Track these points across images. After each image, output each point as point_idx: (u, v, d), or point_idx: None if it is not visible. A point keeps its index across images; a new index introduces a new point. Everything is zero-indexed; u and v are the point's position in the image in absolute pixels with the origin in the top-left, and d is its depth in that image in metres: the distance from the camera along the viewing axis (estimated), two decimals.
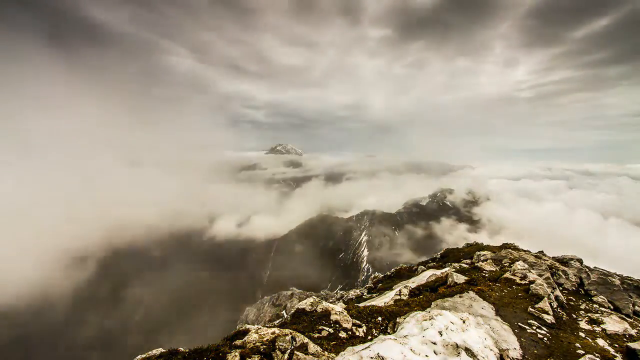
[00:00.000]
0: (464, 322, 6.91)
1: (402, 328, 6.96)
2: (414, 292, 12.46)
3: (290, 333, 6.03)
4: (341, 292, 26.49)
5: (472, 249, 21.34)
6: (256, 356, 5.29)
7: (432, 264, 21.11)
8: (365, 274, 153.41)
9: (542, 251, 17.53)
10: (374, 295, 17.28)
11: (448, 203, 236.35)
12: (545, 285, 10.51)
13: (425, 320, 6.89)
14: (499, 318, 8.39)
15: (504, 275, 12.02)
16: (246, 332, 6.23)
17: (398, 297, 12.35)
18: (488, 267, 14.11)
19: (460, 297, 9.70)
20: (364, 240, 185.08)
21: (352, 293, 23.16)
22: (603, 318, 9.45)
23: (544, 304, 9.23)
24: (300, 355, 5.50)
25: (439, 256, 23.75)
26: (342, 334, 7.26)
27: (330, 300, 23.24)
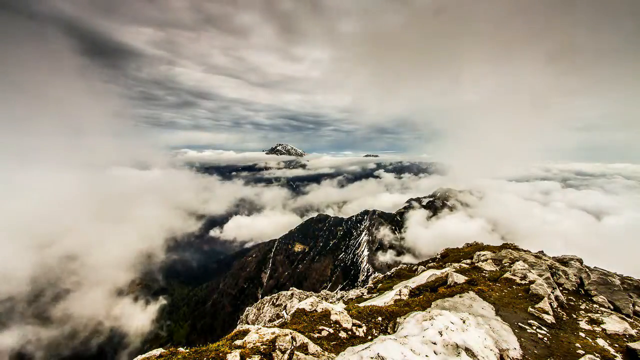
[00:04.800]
0: (464, 322, 6.91)
1: (402, 328, 6.96)
2: (414, 292, 12.45)
3: (290, 333, 6.02)
4: (341, 292, 26.46)
5: (472, 249, 21.32)
6: (256, 356, 5.29)
7: (432, 264, 21.10)
8: (365, 274, 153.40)
9: (542, 251, 17.54)
10: (374, 295, 17.27)
11: (448, 202, 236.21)
12: (545, 285, 10.50)
13: (426, 320, 6.89)
14: (499, 318, 8.38)
15: (504, 275, 12.01)
16: (246, 332, 6.23)
17: (398, 297, 12.34)
18: (488, 267, 14.10)
19: (460, 297, 9.69)
20: (364, 240, 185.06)
21: (352, 293, 23.15)
22: (603, 318, 9.44)
23: (544, 304, 9.23)
24: (301, 355, 5.49)
25: (439, 256, 23.74)
26: (342, 334, 7.25)
27: (330, 300, 23.22)
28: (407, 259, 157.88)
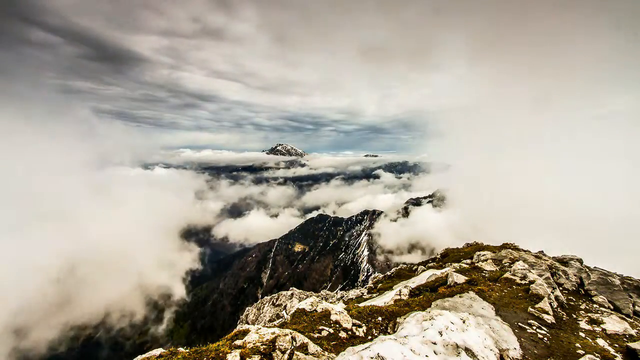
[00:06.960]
0: (464, 322, 6.91)
1: (402, 328, 6.96)
2: (414, 292, 12.45)
3: (290, 333, 6.02)
4: (341, 292, 26.47)
5: (472, 249, 21.32)
6: (256, 356, 5.29)
7: (432, 264, 21.10)
8: (365, 274, 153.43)
9: (542, 251, 17.53)
10: (374, 295, 17.28)
11: (447, 202, 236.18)
12: (545, 285, 10.50)
13: (426, 320, 6.89)
14: (499, 318, 8.38)
15: (504, 275, 12.01)
16: (246, 332, 6.23)
17: (398, 297, 12.34)
18: (488, 267, 14.10)
19: (460, 297, 9.69)
20: (364, 240, 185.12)
21: (352, 293, 23.16)
22: (603, 318, 9.44)
23: (544, 304, 9.23)
24: (301, 355, 5.49)
25: (439, 256, 23.74)
26: (342, 334, 7.25)
27: (330, 300, 23.23)
28: (407, 258, 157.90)
